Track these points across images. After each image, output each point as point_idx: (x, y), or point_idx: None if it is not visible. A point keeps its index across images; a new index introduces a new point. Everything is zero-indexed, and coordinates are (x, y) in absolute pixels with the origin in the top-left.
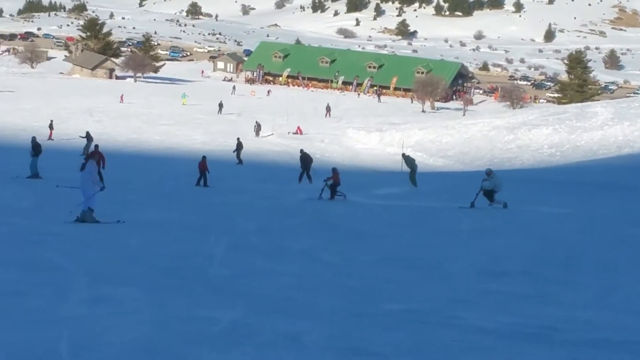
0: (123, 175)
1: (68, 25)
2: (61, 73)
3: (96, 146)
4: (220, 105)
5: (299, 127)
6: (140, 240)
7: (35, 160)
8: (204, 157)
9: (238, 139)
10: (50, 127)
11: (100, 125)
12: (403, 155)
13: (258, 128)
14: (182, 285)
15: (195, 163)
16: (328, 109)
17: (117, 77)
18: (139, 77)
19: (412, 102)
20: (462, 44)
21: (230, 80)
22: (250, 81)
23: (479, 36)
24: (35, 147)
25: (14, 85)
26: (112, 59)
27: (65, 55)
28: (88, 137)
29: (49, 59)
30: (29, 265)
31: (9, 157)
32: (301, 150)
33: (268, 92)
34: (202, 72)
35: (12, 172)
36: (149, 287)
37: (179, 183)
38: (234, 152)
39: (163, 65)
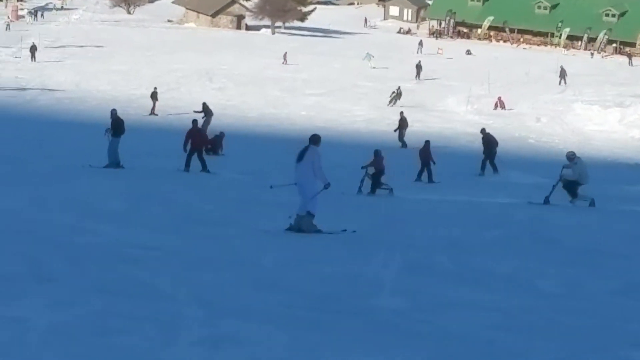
0: (257, 164)
1: None
2: (169, 21)
3: (194, 122)
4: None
5: (499, 99)
6: (277, 258)
7: (115, 142)
8: (427, 142)
9: (401, 113)
10: (154, 97)
11: (223, 95)
12: None
13: (397, 97)
14: (336, 321)
15: (358, 149)
16: (562, 73)
17: (248, 27)
18: (279, 27)
19: None
20: None
21: (408, 32)
22: (437, 34)
23: None
24: (116, 125)
25: (103, 38)
26: (241, 1)
27: None
28: (206, 110)
29: (151, 1)
30: (125, 291)
31: (92, 139)
32: (482, 130)
33: (467, 51)
34: (366, 20)
35: (94, 159)
36: (288, 323)
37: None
38: (395, 130)
39: (313, 10)
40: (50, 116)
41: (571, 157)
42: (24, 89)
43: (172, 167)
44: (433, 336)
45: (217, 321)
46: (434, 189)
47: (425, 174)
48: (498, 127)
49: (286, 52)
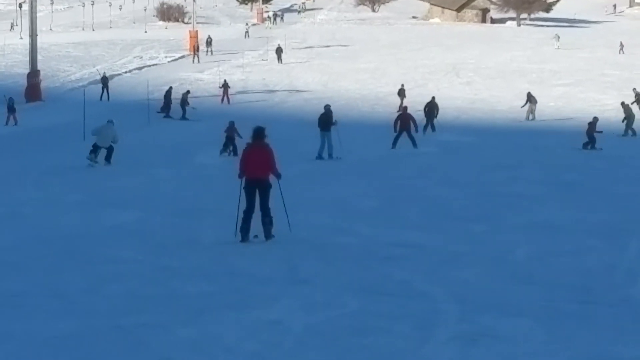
0: (508, 158)
1: None
2: (414, 17)
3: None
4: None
5: None
6: (529, 250)
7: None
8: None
9: (625, 105)
10: (401, 94)
11: (471, 90)
12: (622, 104)
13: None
14: (593, 312)
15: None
16: None
17: (493, 21)
18: (524, 19)
19: None
20: None
21: None
22: None
23: None
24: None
25: (348, 37)
26: None
27: None
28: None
29: None
30: (381, 290)
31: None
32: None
33: None
34: (615, 7)
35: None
36: (546, 316)
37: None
38: (623, 121)
39: (558, 1)
40: (300, 116)
41: None
42: (272, 91)
43: (423, 163)
44: None
45: (474, 317)
46: None
47: None
48: None
49: (622, 41)
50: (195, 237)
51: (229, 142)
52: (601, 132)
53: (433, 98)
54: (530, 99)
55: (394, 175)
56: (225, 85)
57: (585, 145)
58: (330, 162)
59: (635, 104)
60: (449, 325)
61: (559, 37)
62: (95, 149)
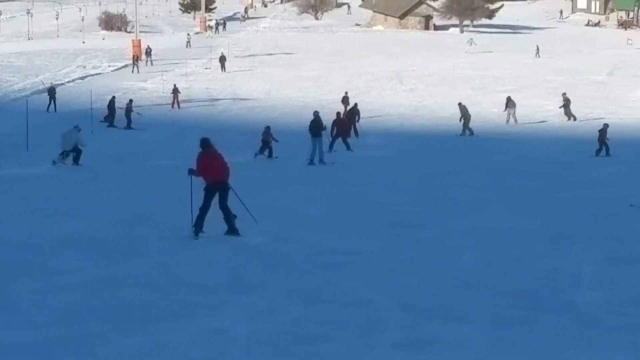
0: (453, 164)
1: None
2: (357, 25)
3: (338, 114)
4: None
5: None
6: (474, 256)
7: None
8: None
9: (461, 105)
10: (345, 102)
11: (414, 96)
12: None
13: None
14: (538, 318)
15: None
16: None
17: (436, 27)
18: (467, 25)
19: None
20: None
21: (597, 24)
22: (625, 25)
23: None
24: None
25: (291, 45)
26: (429, 1)
27: (363, 0)
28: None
29: (338, 5)
30: (325, 298)
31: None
32: None
33: None
34: (561, 13)
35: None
36: (490, 322)
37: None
38: (460, 120)
39: (500, 7)
40: (243, 125)
41: None
42: (216, 100)
43: (367, 169)
44: (636, 328)
45: (418, 323)
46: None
47: None
48: None
49: (538, 45)
50: (140, 247)
51: (265, 145)
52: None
53: (355, 104)
54: (509, 103)
55: (339, 182)
56: (175, 91)
57: (597, 152)
58: (282, 169)
59: (563, 108)
60: (393, 332)
61: (472, 41)
62: (63, 152)
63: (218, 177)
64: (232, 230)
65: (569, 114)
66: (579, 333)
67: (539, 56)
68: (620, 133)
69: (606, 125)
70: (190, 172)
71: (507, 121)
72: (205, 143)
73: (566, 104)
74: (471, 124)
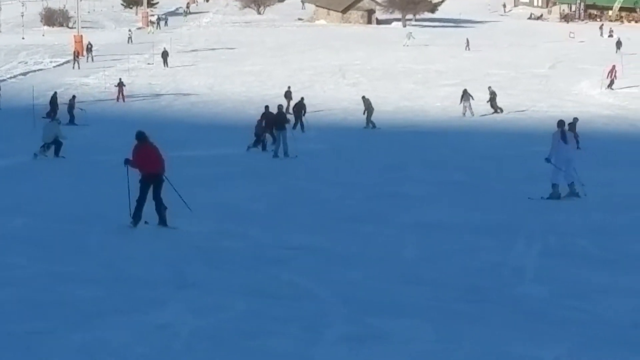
0: (395, 158)
1: None
2: (300, 19)
3: (266, 107)
4: None
5: (613, 67)
6: (418, 250)
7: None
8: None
9: (365, 98)
10: (287, 96)
11: (357, 90)
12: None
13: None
14: (483, 311)
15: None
16: None
17: (379, 22)
18: (409, 19)
19: None
20: None
21: (539, 17)
22: (567, 18)
23: None
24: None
25: (234, 40)
26: None
27: None
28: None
29: (281, 0)
30: (269, 293)
31: (231, 140)
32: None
33: (610, 32)
34: (505, 6)
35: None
36: (435, 316)
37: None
38: (363, 113)
39: (443, 1)
40: (186, 120)
41: None
42: (159, 95)
43: (311, 164)
44: (579, 321)
45: (362, 317)
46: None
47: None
48: (634, 107)
49: (467, 38)
50: (83, 243)
51: (258, 138)
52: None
53: (302, 99)
54: (464, 95)
55: (283, 178)
56: (120, 84)
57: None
58: (228, 164)
59: (489, 102)
60: (338, 326)
61: (410, 35)
62: (44, 145)
63: (153, 169)
64: (162, 221)
65: (495, 106)
66: (523, 326)
67: (469, 49)
68: None
69: (575, 119)
70: (127, 162)
71: (464, 114)
72: (141, 136)
73: (492, 97)
74: (416, 117)
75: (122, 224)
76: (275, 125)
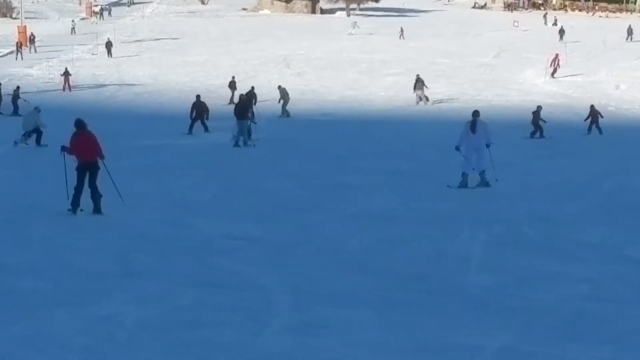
0: (341, 148)
1: None
2: (244, 9)
3: (197, 96)
4: None
5: (556, 56)
6: (363, 240)
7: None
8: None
9: (281, 88)
10: (232, 86)
11: (302, 80)
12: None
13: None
14: (428, 300)
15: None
16: (630, 31)
17: (323, 11)
18: (353, 9)
19: None
20: None
21: (483, 7)
22: (511, 7)
23: None
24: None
25: (178, 30)
26: None
27: None
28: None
29: None
30: (214, 283)
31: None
32: None
33: (555, 20)
34: None
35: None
36: (380, 305)
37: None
38: (279, 102)
39: None
40: (131, 111)
41: None
42: (103, 86)
43: (256, 154)
44: (523, 310)
45: (308, 307)
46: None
47: None
48: (577, 96)
49: (402, 27)
50: (26, 233)
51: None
52: (545, 122)
53: (252, 88)
54: (417, 83)
55: (228, 168)
56: (66, 73)
57: (532, 134)
58: (174, 154)
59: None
60: (283, 316)
61: (355, 24)
62: (25, 133)
63: (89, 157)
64: (97, 209)
65: (421, 95)
66: (468, 315)
67: (403, 38)
68: (507, 115)
69: (539, 108)
70: (63, 149)
71: (417, 102)
72: (79, 124)
73: (417, 84)
74: (361, 107)
75: (61, 211)
76: (236, 114)
